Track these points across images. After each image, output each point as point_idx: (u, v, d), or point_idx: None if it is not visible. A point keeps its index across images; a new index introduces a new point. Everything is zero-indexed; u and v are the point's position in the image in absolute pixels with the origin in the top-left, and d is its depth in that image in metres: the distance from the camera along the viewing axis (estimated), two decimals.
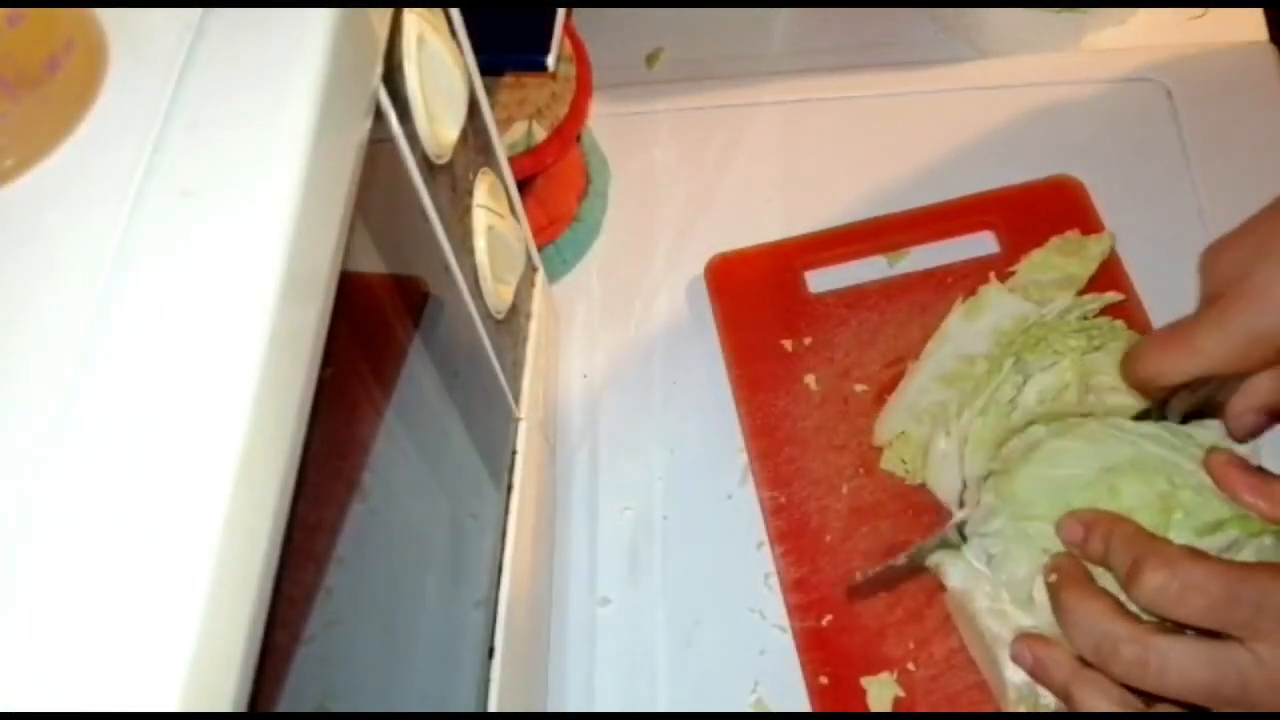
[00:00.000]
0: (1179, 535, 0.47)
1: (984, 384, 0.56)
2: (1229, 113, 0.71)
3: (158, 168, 0.31)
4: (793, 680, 0.56)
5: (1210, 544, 0.47)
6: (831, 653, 0.56)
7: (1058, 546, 0.49)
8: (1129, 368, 0.51)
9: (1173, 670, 0.43)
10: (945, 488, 0.57)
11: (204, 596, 0.24)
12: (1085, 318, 0.59)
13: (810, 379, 0.64)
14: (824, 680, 0.55)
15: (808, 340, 0.65)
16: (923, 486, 0.59)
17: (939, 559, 0.54)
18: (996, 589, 0.51)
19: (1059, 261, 0.63)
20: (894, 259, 0.68)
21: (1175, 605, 0.44)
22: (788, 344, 0.65)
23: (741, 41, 0.80)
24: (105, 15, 0.34)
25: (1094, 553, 0.48)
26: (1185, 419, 0.53)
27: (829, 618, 0.57)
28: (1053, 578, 0.49)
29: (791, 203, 0.72)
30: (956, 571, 0.52)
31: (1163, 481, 0.49)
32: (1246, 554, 0.48)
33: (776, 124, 0.76)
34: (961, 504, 0.55)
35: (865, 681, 0.54)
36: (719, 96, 0.77)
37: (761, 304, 0.67)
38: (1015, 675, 0.50)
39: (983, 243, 0.68)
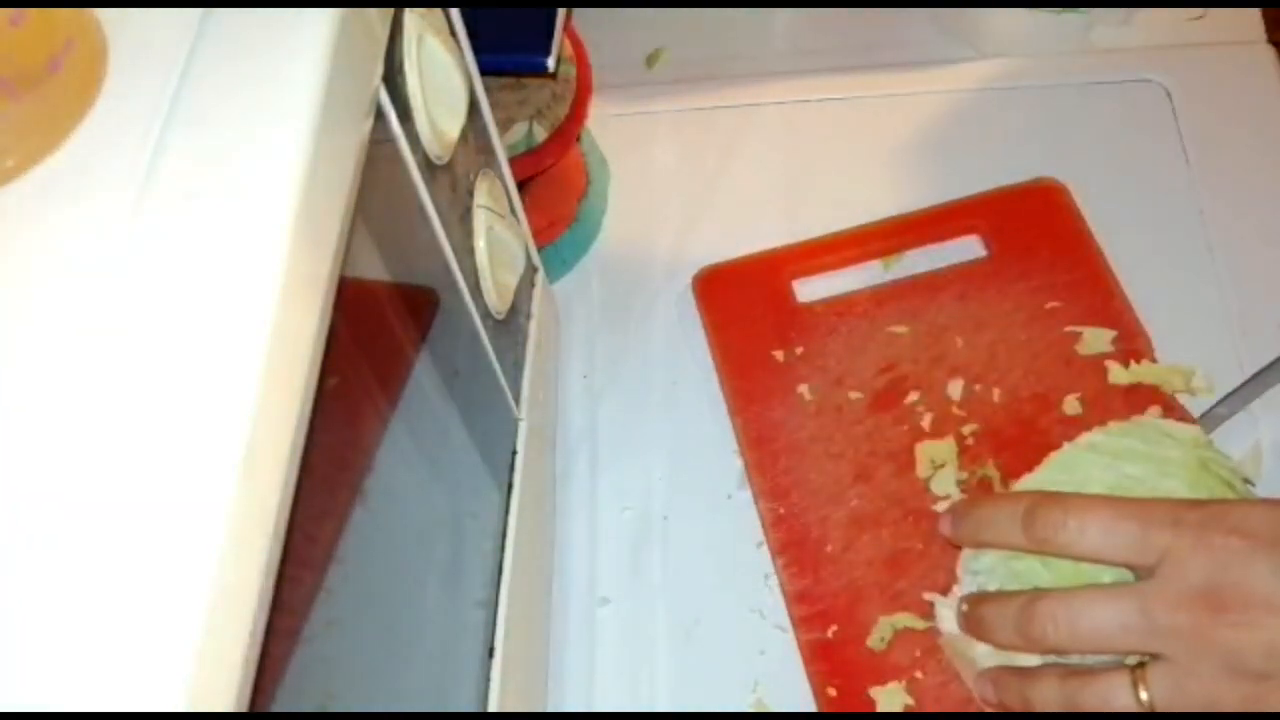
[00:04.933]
0: None
1: None
2: (1229, 113, 0.71)
3: (158, 168, 0.31)
4: (793, 680, 0.56)
5: None
6: (838, 664, 0.55)
7: (1045, 584, 0.49)
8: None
9: (1083, 618, 0.46)
10: None
11: (207, 597, 0.24)
12: None
13: (804, 389, 0.63)
14: (833, 692, 0.54)
15: (799, 350, 0.64)
16: (923, 492, 0.59)
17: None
18: None
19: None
20: (885, 264, 0.68)
21: (1075, 540, 0.47)
22: (779, 355, 0.64)
23: (741, 41, 0.80)
24: (105, 15, 0.34)
25: (965, 536, 0.52)
26: None
27: (834, 628, 0.56)
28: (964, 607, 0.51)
29: (792, 203, 0.72)
30: (953, 616, 0.52)
31: None
32: None
33: (777, 124, 0.76)
34: None
35: (874, 692, 0.54)
36: (719, 97, 0.77)
37: (750, 316, 0.66)
38: None
39: (969, 247, 0.68)
